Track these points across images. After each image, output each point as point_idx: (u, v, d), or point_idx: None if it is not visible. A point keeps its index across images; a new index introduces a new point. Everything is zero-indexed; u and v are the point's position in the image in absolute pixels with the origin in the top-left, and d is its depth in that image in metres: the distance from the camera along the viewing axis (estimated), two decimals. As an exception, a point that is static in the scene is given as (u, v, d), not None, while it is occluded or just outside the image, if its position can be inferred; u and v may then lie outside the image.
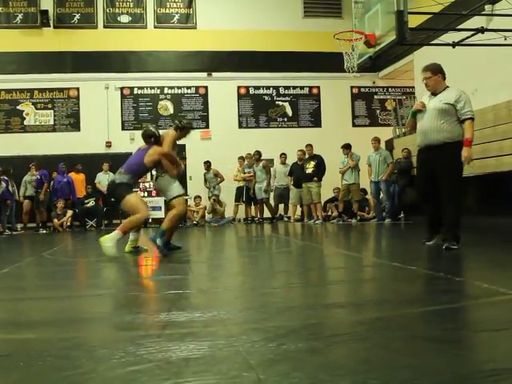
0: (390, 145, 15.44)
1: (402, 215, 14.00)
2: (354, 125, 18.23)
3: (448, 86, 6.10)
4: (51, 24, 17.06)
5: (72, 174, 15.70)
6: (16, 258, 6.64)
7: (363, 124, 18.29)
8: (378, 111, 18.52)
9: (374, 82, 18.33)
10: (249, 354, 2.06)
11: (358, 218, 13.97)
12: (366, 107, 18.46)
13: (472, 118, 5.91)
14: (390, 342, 2.23)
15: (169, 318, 2.80)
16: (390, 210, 13.64)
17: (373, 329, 2.49)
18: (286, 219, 15.39)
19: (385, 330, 2.46)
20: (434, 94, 6.09)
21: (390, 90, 18.51)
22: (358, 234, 10.24)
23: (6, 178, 14.46)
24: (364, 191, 14.88)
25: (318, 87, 17.99)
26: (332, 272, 5.03)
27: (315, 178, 14.03)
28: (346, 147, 14.17)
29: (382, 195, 13.83)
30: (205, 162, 16.01)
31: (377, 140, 13.80)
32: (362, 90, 18.38)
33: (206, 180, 16.09)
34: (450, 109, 5.92)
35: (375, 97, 18.56)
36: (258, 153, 15.50)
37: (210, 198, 15.77)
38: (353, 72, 10.07)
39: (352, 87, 18.23)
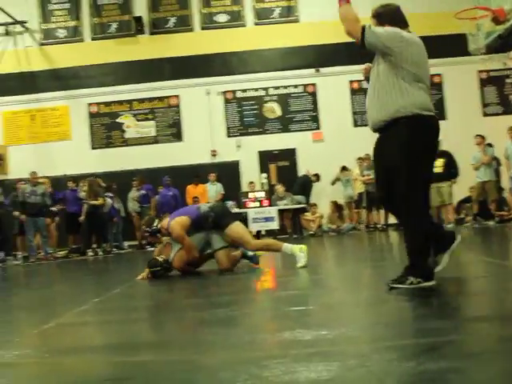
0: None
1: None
2: (484, 114, 17.57)
3: None
4: (146, 31, 17.76)
5: (190, 187, 16.02)
6: (126, 278, 6.94)
7: (495, 113, 17.56)
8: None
9: (505, 64, 17.53)
10: (384, 375, 2.04)
11: (497, 219, 13.42)
12: (497, 93, 17.72)
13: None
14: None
15: (293, 337, 2.82)
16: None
17: (526, 344, 2.39)
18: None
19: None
20: None
21: (525, 71, 17.70)
22: (498, 238, 9.84)
23: (110, 194, 15.13)
24: (501, 189, 14.30)
25: (440, 75, 17.45)
26: (472, 281, 4.87)
27: (453, 180, 13.58)
28: (480, 140, 13.66)
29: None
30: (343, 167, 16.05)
31: (514, 129, 13.19)
32: (492, 73, 17.67)
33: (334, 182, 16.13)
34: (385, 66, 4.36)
35: (507, 80, 17.79)
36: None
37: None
38: (480, 54, 9.69)
39: (479, 72, 17.57)
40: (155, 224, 7.01)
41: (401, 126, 4.23)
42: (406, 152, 4.19)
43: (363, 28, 4.21)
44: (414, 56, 4.26)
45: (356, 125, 17.47)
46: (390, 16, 4.43)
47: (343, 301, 4.22)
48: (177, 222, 6.71)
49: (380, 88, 4.35)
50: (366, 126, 15.62)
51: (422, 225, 4.28)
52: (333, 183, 16.18)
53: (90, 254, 13.96)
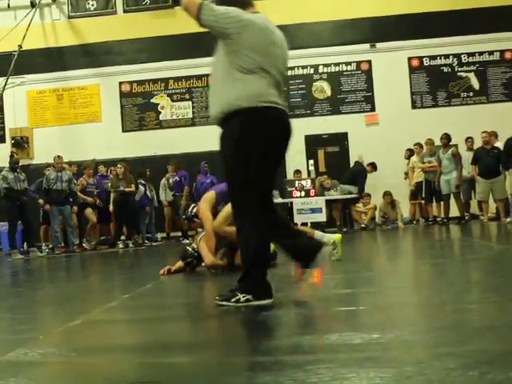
0: None
1: None
2: None
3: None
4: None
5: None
6: (158, 273, 6.98)
7: None
8: None
9: None
10: (445, 384, 2.01)
11: None
12: None
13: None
14: None
15: (342, 340, 2.80)
16: None
17: None
18: (482, 218, 14.78)
19: None
20: None
21: None
22: None
23: (143, 181, 15.26)
24: None
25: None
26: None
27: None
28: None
29: None
30: (408, 150, 15.89)
31: None
32: None
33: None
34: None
35: None
36: (447, 136, 14.99)
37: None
38: None
39: None
40: (190, 209, 7.12)
41: (233, 120, 4.05)
42: (236, 150, 4.05)
43: (200, 4, 4.03)
44: (256, 41, 4.06)
45: (415, 106, 17.30)
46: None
47: (398, 301, 4.17)
48: (203, 198, 6.89)
49: (217, 77, 4.22)
50: (426, 107, 15.41)
51: (259, 230, 4.06)
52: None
53: (121, 246, 14.12)
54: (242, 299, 3.98)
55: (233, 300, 4.00)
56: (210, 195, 6.88)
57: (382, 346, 2.66)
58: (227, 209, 6.20)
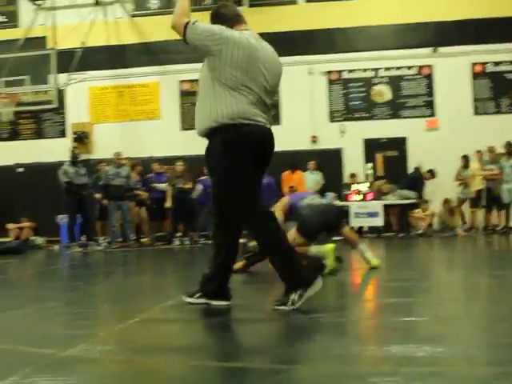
0: None
1: None
2: None
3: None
4: (245, 2, 17.81)
5: (286, 174, 15.88)
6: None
7: None
8: None
9: None
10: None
11: None
12: None
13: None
14: None
15: (404, 352, 2.76)
16: None
17: None
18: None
19: None
20: None
21: None
22: None
23: (203, 178, 15.16)
24: None
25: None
26: None
27: None
28: None
29: None
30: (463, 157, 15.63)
31: None
32: None
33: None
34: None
35: None
36: (510, 145, 14.75)
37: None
38: None
39: None
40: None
41: (215, 136, 4.27)
42: (220, 165, 4.26)
43: (187, 23, 4.21)
44: (237, 58, 4.16)
45: (477, 113, 16.96)
46: (214, 15, 4.49)
47: (458, 314, 4.10)
48: (281, 199, 7.31)
49: (202, 93, 4.42)
50: (488, 114, 15.13)
51: (261, 228, 4.24)
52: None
53: (177, 243, 14.23)
54: (296, 298, 4.02)
55: (289, 303, 4.03)
56: (283, 201, 7.18)
57: (446, 360, 2.62)
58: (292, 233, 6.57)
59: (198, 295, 4.54)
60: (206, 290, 4.50)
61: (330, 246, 6.57)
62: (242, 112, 4.19)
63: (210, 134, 4.33)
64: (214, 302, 4.44)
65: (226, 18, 4.42)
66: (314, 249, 6.61)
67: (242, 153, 4.21)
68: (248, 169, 4.24)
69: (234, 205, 4.29)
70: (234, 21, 4.42)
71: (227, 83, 4.19)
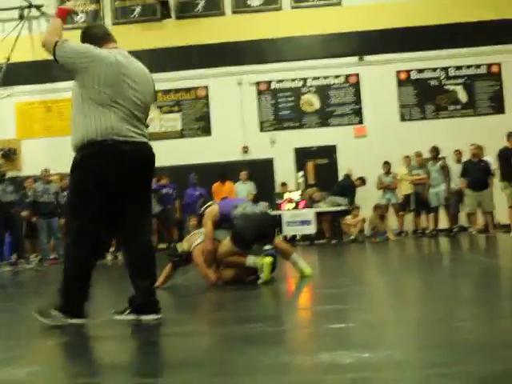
0: None
1: None
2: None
3: None
4: (173, 15, 17.75)
5: (216, 186, 15.83)
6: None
7: None
8: None
9: None
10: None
11: None
12: None
13: None
14: None
15: (332, 359, 2.77)
16: None
17: None
18: (470, 230, 14.78)
19: None
20: None
21: None
22: None
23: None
24: None
25: (499, 64, 17.23)
26: None
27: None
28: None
29: None
30: (385, 163, 15.86)
31: None
32: None
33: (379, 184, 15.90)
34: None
35: None
36: (435, 149, 15.14)
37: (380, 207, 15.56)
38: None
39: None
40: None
41: (79, 152, 4.34)
42: (72, 178, 4.42)
43: (55, 43, 4.32)
44: (107, 75, 4.26)
45: (403, 119, 17.32)
46: (84, 34, 4.62)
47: (387, 318, 4.15)
48: (210, 208, 7.14)
49: (74, 110, 4.41)
50: (414, 120, 15.49)
51: (75, 248, 4.40)
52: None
53: (109, 257, 14.02)
54: (58, 315, 4.32)
55: (49, 318, 4.33)
56: (214, 210, 7.10)
57: (372, 365, 2.64)
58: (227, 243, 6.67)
59: (127, 312, 4.48)
60: (133, 305, 4.47)
61: (267, 260, 6.59)
62: (111, 128, 4.23)
63: (79, 149, 4.33)
64: (143, 317, 4.38)
65: (96, 37, 4.53)
66: (251, 260, 6.64)
67: (95, 170, 4.26)
68: (93, 186, 4.28)
69: (68, 215, 4.54)
70: (104, 40, 4.53)
71: (96, 100, 4.24)
